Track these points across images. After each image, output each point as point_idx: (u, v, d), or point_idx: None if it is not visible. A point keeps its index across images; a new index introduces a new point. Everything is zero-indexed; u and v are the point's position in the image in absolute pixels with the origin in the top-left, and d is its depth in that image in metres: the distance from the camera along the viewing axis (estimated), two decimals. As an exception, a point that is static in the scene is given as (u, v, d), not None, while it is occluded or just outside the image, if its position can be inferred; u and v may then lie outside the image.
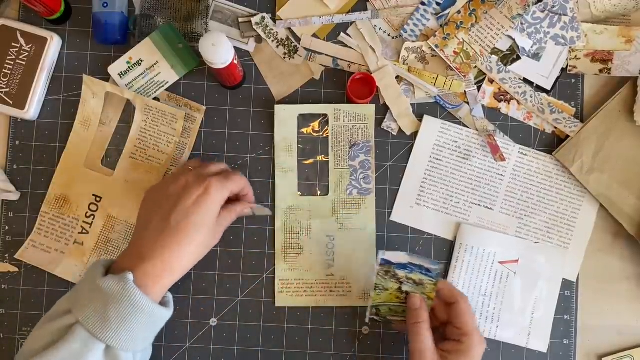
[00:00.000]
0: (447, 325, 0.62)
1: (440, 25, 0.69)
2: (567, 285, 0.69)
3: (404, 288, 0.62)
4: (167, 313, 0.54)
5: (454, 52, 0.69)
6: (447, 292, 0.61)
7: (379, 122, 0.70)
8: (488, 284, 0.68)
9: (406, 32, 0.69)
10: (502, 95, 0.70)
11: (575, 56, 0.69)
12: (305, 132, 0.70)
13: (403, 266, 0.61)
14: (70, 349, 0.50)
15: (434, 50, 0.69)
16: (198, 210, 0.56)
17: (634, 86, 0.68)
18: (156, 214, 0.57)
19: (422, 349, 0.58)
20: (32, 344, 0.52)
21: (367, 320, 0.64)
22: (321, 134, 0.70)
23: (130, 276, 0.52)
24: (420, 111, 0.70)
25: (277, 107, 0.69)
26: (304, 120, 0.70)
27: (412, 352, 0.59)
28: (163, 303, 0.56)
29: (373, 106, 0.69)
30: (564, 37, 0.69)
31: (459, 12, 0.69)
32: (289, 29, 0.70)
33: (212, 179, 0.58)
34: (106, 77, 0.69)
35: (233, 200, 0.63)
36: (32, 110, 0.68)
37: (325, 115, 0.69)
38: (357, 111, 0.69)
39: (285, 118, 0.69)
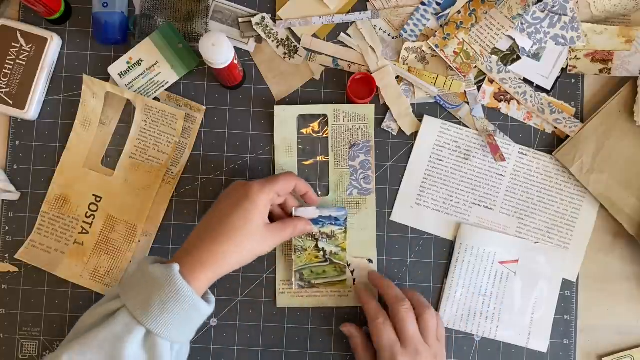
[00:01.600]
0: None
1: (440, 25, 0.69)
2: (567, 285, 0.69)
3: (320, 245, 0.66)
4: (206, 307, 0.55)
5: (454, 52, 0.69)
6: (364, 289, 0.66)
7: (378, 122, 0.70)
8: (488, 284, 0.68)
9: (406, 32, 0.69)
10: (502, 95, 0.70)
11: (575, 56, 0.69)
12: (305, 133, 0.70)
13: (315, 221, 0.66)
14: (113, 331, 0.52)
15: (434, 50, 0.69)
16: (236, 212, 0.57)
17: (634, 86, 0.68)
18: (205, 216, 0.60)
19: (389, 343, 0.60)
20: (80, 325, 0.55)
21: (295, 287, 0.66)
22: (321, 134, 0.70)
23: (176, 266, 0.54)
24: (420, 111, 0.70)
25: (276, 107, 0.69)
26: (304, 120, 0.70)
27: (379, 347, 0.61)
28: (205, 300, 0.56)
29: (373, 106, 0.69)
30: (564, 37, 0.69)
31: (459, 12, 0.69)
32: (289, 29, 0.70)
33: (254, 182, 0.59)
34: (106, 77, 0.69)
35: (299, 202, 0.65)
36: (32, 110, 0.68)
37: (325, 116, 0.69)
38: (357, 111, 0.69)
39: (285, 118, 0.69)
